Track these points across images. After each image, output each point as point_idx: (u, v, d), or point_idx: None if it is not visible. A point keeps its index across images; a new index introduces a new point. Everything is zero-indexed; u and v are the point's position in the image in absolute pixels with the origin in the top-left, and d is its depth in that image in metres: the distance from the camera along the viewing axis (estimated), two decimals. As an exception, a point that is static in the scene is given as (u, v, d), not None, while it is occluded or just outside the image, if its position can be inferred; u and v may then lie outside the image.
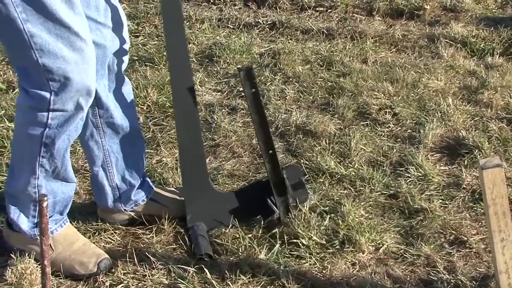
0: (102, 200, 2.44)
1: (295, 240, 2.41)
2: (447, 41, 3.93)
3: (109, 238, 2.42)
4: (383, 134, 3.10)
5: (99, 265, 2.24)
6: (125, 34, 2.28)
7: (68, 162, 2.20)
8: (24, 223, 2.24)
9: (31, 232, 2.25)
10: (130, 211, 2.46)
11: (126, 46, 2.29)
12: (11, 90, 3.21)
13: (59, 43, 1.96)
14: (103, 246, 2.38)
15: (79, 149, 2.87)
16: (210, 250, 2.33)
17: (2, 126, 2.96)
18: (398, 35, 4.03)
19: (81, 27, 2.01)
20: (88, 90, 2.07)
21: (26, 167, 2.16)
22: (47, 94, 2.02)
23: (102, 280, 2.24)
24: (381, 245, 2.44)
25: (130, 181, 2.41)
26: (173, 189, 2.57)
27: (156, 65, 3.54)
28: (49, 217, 2.20)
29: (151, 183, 2.50)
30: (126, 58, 2.32)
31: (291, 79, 3.53)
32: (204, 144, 2.97)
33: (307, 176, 2.76)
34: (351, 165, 2.84)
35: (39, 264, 2.11)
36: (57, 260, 2.23)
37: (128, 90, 2.35)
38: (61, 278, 2.24)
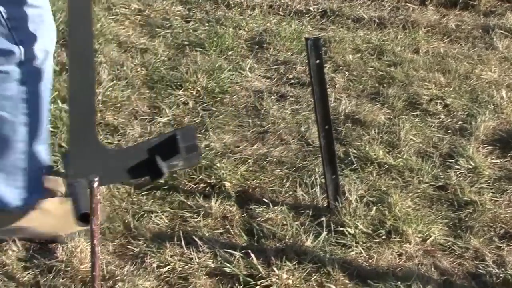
0: None
1: (341, 229, 2.41)
2: (502, 32, 3.85)
3: (157, 220, 2.45)
4: (434, 125, 3.06)
5: None
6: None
7: None
8: None
9: None
10: None
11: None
12: (64, 72, 3.27)
13: None
14: (152, 227, 2.41)
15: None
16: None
17: (55, 107, 3.01)
18: (451, 25, 3.97)
19: None
20: None
21: None
22: None
23: (149, 261, 2.27)
24: (428, 237, 2.41)
25: None
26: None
27: (207, 50, 3.56)
28: None
29: None
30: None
31: (341, 67, 3.51)
32: (253, 130, 2.99)
33: (355, 165, 2.75)
34: (400, 156, 2.82)
35: (88, 242, 2.15)
36: None
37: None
38: (110, 257, 2.28)
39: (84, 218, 2.02)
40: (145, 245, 2.34)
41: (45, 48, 2.18)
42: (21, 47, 2.10)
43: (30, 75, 2.16)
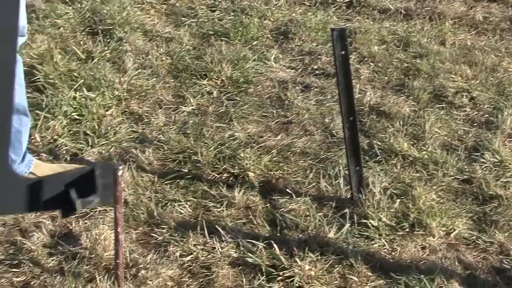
0: None
1: (364, 221, 2.40)
2: (531, 24, 3.81)
3: (180, 209, 2.46)
4: (459, 118, 3.04)
5: None
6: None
7: None
8: None
9: None
10: None
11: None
12: (90, 60, 3.28)
13: None
14: (175, 216, 2.42)
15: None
16: None
17: (80, 95, 3.03)
18: (479, 17, 3.92)
19: None
20: None
21: None
22: None
23: (172, 250, 2.28)
24: (452, 230, 2.40)
25: (12, 156, 2.42)
26: (55, 164, 2.60)
27: (232, 40, 3.56)
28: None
29: (31, 158, 2.54)
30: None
31: (366, 58, 3.49)
32: (277, 120, 2.99)
33: (379, 157, 2.73)
34: (425, 148, 2.80)
35: (112, 230, 2.16)
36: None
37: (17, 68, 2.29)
38: (133, 245, 2.30)
39: None
40: (168, 233, 2.35)
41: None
42: None
43: None
